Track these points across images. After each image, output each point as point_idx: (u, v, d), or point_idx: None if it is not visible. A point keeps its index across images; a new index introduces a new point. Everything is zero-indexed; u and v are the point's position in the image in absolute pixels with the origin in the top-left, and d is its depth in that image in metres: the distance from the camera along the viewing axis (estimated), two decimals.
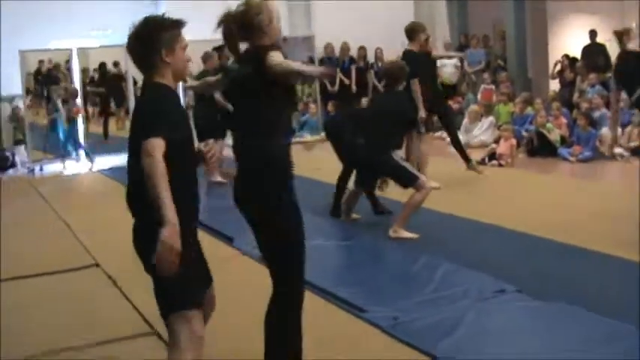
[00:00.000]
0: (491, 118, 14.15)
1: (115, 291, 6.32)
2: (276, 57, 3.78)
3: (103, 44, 16.28)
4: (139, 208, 3.62)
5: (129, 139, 3.60)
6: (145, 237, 3.52)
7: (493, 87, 15.79)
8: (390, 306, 5.44)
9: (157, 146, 3.38)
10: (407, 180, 7.53)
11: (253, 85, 3.87)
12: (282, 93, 3.87)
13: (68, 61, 16.40)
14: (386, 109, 7.83)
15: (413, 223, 7.62)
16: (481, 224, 7.81)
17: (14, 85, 14.80)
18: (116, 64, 17.94)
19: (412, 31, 9.81)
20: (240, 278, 6.29)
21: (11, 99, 15.10)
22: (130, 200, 3.68)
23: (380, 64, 16.71)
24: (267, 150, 3.86)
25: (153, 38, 3.59)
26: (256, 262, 6.69)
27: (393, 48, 13.55)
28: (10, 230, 8.98)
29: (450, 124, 10.88)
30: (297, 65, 4.01)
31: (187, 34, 3.72)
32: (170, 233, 3.28)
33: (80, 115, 14.58)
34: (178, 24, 3.66)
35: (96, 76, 18.77)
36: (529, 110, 13.60)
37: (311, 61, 16.27)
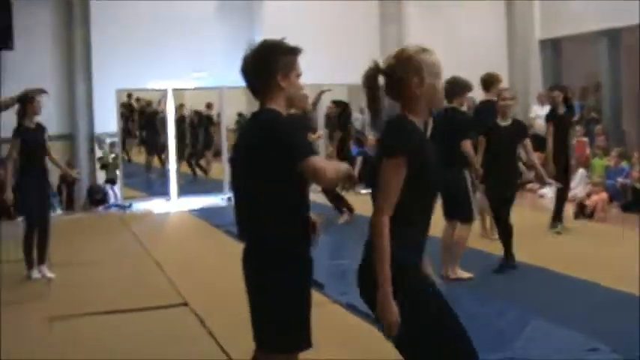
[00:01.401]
0: (582, 171, 13.86)
1: (203, 331, 6.32)
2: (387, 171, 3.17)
3: (198, 86, 16.50)
4: (254, 230, 3.62)
5: (242, 161, 3.65)
6: (258, 260, 3.57)
7: (586, 140, 15.48)
8: None
9: (318, 163, 3.40)
10: (463, 211, 7.40)
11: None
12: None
13: (160, 101, 16.83)
14: (438, 126, 7.86)
15: (501, 275, 7.50)
16: (571, 279, 7.62)
17: (107, 124, 15.09)
18: (209, 105, 18.18)
19: (488, 82, 9.38)
20: (329, 326, 6.21)
21: (100, 138, 15.16)
22: (244, 219, 3.66)
23: None
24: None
25: (271, 61, 3.59)
26: (346, 311, 6.68)
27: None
28: (103, 266, 9.18)
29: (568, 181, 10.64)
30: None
31: None
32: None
33: None
34: (295, 51, 3.66)
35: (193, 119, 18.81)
36: (624, 164, 13.29)
37: None
